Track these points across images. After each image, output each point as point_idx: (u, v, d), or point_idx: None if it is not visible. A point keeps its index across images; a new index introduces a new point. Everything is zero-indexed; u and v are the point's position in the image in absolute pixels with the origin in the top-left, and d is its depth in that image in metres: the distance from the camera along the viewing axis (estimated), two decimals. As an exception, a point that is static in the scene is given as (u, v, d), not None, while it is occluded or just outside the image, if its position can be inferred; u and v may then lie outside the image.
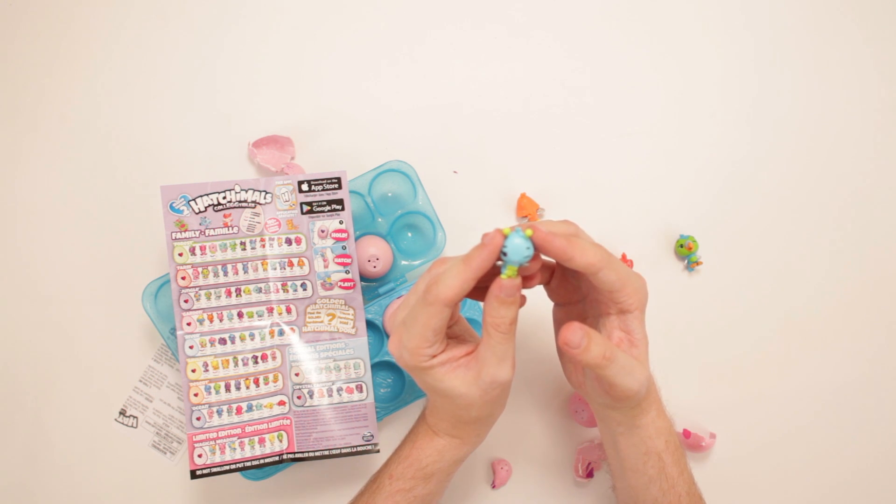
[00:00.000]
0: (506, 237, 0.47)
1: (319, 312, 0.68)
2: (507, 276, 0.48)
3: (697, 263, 0.76)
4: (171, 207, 0.66)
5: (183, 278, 0.66)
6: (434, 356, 0.51)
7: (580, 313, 0.57)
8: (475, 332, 0.58)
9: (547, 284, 0.57)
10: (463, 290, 0.48)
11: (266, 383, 0.66)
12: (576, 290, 0.57)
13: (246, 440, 0.65)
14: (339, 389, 0.67)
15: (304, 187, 0.68)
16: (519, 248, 0.47)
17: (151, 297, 0.69)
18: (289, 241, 0.68)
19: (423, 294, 0.49)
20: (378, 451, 0.66)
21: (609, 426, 0.59)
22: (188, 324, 0.66)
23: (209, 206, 0.67)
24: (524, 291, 0.52)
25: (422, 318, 0.49)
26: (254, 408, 0.66)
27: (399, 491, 0.58)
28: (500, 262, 0.49)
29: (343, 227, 0.68)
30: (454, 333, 0.55)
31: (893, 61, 0.80)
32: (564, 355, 0.58)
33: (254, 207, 0.68)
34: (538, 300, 0.58)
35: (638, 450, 0.59)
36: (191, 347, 0.66)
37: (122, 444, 0.74)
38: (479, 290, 0.54)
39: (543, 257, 0.52)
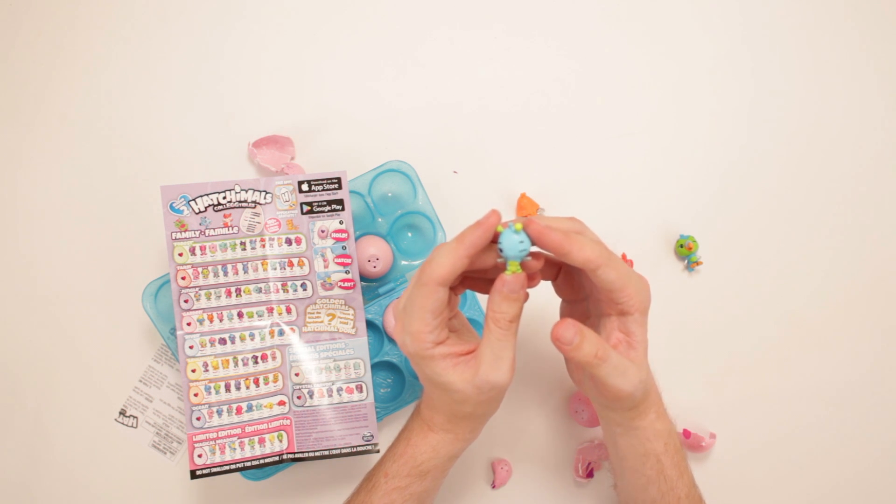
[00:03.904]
0: (500, 234, 0.48)
1: (319, 312, 0.68)
2: (511, 272, 0.48)
3: (697, 263, 0.76)
4: (171, 207, 0.66)
5: (183, 278, 0.66)
6: (437, 344, 0.51)
7: (584, 311, 0.57)
8: (475, 330, 0.58)
9: (554, 280, 0.57)
10: (455, 269, 0.48)
11: (266, 383, 0.66)
12: (580, 288, 0.57)
13: (246, 440, 0.65)
14: (339, 389, 0.67)
15: (304, 187, 0.68)
16: (513, 244, 0.47)
17: (151, 297, 0.69)
18: (289, 241, 0.68)
19: (417, 276, 0.50)
20: (378, 452, 0.66)
21: (609, 426, 0.59)
22: (188, 324, 0.66)
23: (209, 206, 0.67)
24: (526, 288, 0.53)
25: (418, 300, 0.50)
26: (254, 408, 0.66)
27: (395, 489, 0.58)
28: (501, 260, 0.49)
29: (343, 227, 0.68)
30: (454, 327, 0.55)
31: (890, 60, 0.80)
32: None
33: (254, 207, 0.68)
34: (539, 299, 0.58)
35: (636, 451, 0.59)
36: (191, 347, 0.66)
37: (122, 444, 0.74)
38: (485, 282, 0.54)
39: (547, 253, 0.52)
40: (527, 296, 0.52)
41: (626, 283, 0.50)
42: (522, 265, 0.49)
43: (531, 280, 0.52)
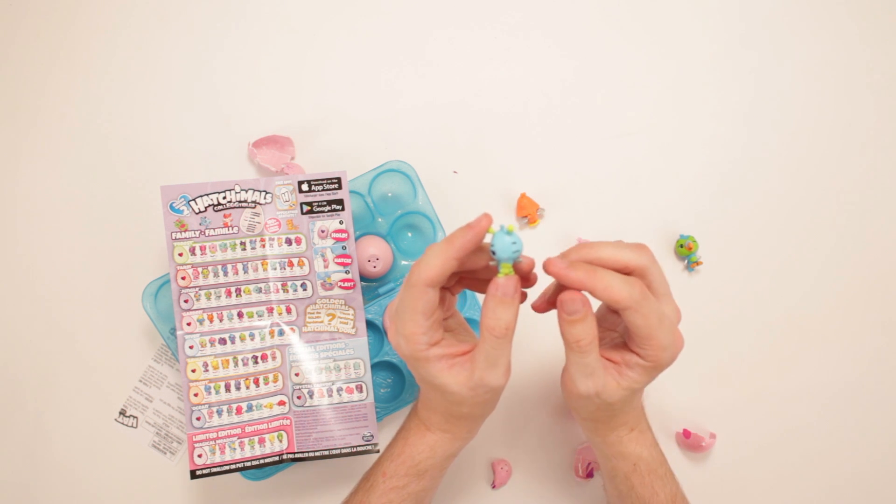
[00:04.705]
0: (492, 236, 0.48)
1: (319, 312, 0.68)
2: (504, 275, 0.48)
3: (697, 263, 0.76)
4: (171, 207, 0.66)
5: (183, 278, 0.66)
6: (431, 345, 0.51)
7: (614, 324, 0.56)
8: (471, 329, 0.58)
9: None
10: (444, 271, 0.48)
11: (266, 383, 0.66)
12: None
13: (246, 440, 0.65)
14: (339, 389, 0.67)
15: (304, 187, 0.68)
16: (506, 245, 0.47)
17: (151, 297, 0.69)
18: (289, 241, 0.68)
19: (407, 277, 0.50)
20: (378, 452, 0.66)
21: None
22: (188, 324, 0.66)
23: (209, 206, 0.67)
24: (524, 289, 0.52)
25: (408, 302, 0.49)
26: (254, 408, 0.66)
27: (393, 489, 0.58)
28: (493, 262, 0.49)
29: (343, 227, 0.68)
30: (450, 327, 0.55)
31: (890, 60, 0.80)
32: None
33: (254, 207, 0.68)
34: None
35: (605, 465, 0.60)
36: (191, 347, 0.66)
37: (122, 444, 0.74)
38: (481, 282, 0.54)
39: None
40: (524, 296, 0.52)
41: (654, 334, 0.48)
42: (515, 267, 0.48)
43: (525, 281, 0.52)
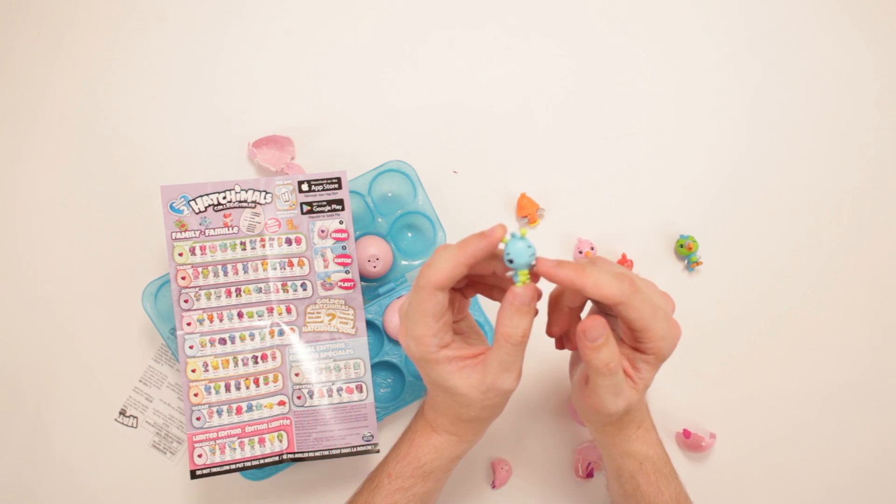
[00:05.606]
0: (506, 244, 0.47)
1: (319, 312, 0.68)
2: (522, 283, 0.47)
3: (697, 263, 0.76)
4: (171, 207, 0.66)
5: (183, 278, 0.66)
6: (441, 347, 0.50)
7: (610, 325, 0.56)
8: (481, 331, 0.58)
9: None
10: (453, 275, 0.48)
11: (266, 383, 0.66)
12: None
13: (246, 440, 0.65)
14: (339, 389, 0.67)
15: (304, 187, 0.68)
16: (522, 251, 0.47)
17: (151, 297, 0.69)
18: (289, 241, 0.68)
19: (416, 279, 0.50)
20: (378, 452, 0.66)
21: (590, 430, 0.60)
22: (188, 324, 0.66)
23: (209, 206, 0.67)
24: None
25: (417, 304, 0.49)
26: (254, 408, 0.66)
27: (398, 489, 0.58)
28: (510, 273, 0.48)
29: (343, 227, 0.68)
30: (460, 329, 0.55)
31: (891, 61, 0.80)
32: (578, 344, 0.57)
33: (254, 207, 0.68)
34: (542, 300, 0.58)
35: (611, 464, 0.60)
36: (191, 347, 0.66)
37: (122, 444, 0.74)
38: (489, 287, 0.54)
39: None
40: (536, 311, 0.52)
41: (649, 325, 0.48)
42: (532, 273, 0.48)
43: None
